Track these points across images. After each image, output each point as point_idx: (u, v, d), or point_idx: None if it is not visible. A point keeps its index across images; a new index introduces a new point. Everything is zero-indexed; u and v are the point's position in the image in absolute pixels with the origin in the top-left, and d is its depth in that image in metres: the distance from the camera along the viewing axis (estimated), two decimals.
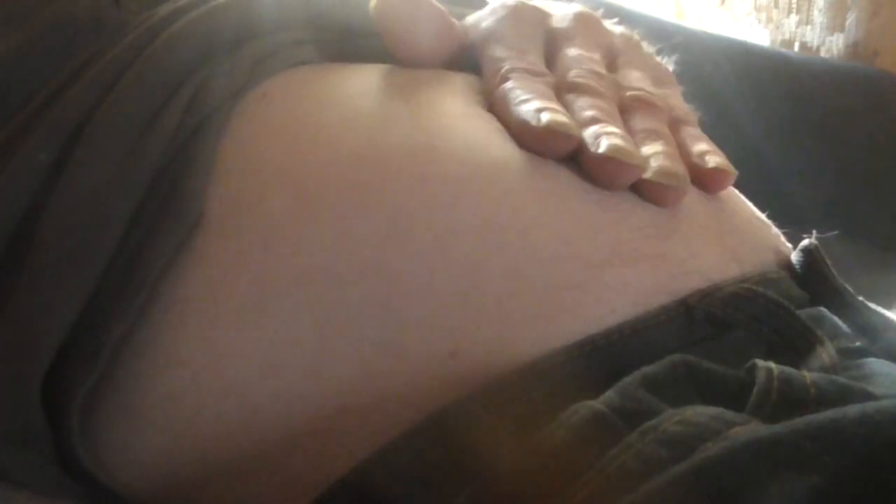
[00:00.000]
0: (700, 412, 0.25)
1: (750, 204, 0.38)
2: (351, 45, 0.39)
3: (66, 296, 0.30)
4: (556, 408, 0.26)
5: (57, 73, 0.35)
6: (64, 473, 0.31)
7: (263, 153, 0.33)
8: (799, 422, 0.23)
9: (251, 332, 0.30)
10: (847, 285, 0.34)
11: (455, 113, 0.34)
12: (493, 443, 0.27)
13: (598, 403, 0.26)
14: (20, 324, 0.30)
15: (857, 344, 0.32)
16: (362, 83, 0.35)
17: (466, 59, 0.38)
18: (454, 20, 0.38)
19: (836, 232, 0.38)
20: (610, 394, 0.26)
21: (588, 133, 0.32)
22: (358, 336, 0.29)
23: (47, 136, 0.32)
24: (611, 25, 0.40)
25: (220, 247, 0.31)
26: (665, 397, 0.26)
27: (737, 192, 0.38)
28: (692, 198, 0.34)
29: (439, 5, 0.37)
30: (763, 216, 0.38)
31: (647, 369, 0.27)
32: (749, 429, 0.24)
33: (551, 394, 0.27)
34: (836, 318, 0.32)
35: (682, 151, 0.34)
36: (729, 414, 0.25)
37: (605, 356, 0.29)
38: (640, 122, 0.34)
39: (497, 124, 0.34)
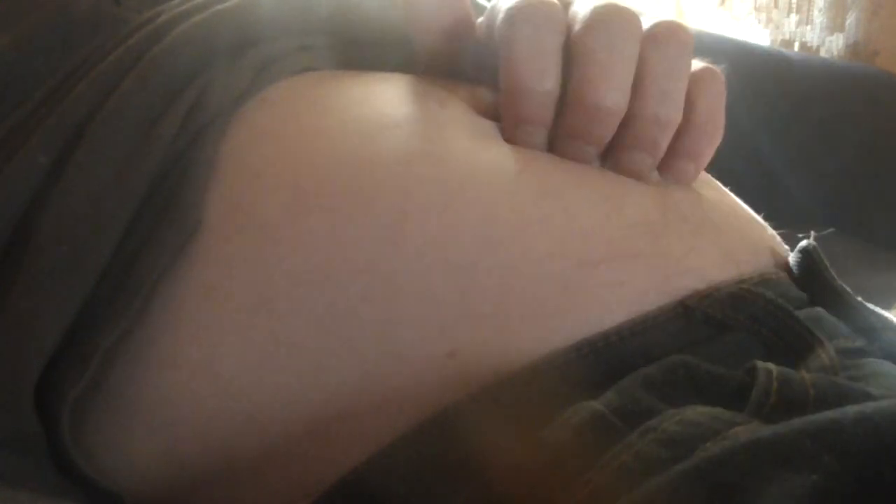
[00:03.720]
0: (700, 412, 0.25)
1: (746, 207, 0.38)
2: (354, 52, 0.39)
3: (60, 301, 0.30)
4: (556, 409, 0.26)
5: (55, 71, 0.35)
6: (62, 476, 0.31)
7: (261, 157, 0.33)
8: (799, 422, 0.23)
9: (247, 333, 0.30)
10: (846, 285, 0.34)
11: (450, 118, 0.34)
12: (493, 443, 0.27)
13: (597, 404, 0.26)
14: (14, 328, 0.30)
15: (856, 344, 0.32)
16: (361, 90, 0.35)
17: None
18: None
19: (831, 229, 0.38)
20: (609, 394, 0.26)
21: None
22: (355, 337, 0.29)
23: (47, 137, 0.32)
24: None
25: (217, 249, 0.31)
26: (664, 398, 0.26)
27: (731, 193, 0.38)
28: (681, 194, 0.34)
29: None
30: (759, 218, 0.38)
31: (647, 370, 0.27)
32: (749, 429, 0.24)
33: (551, 395, 0.27)
34: (834, 319, 0.32)
35: None
36: (728, 414, 0.25)
37: (603, 358, 0.29)
38: None
39: (491, 127, 0.34)
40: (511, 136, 0.34)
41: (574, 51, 0.33)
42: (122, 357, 0.30)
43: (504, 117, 0.34)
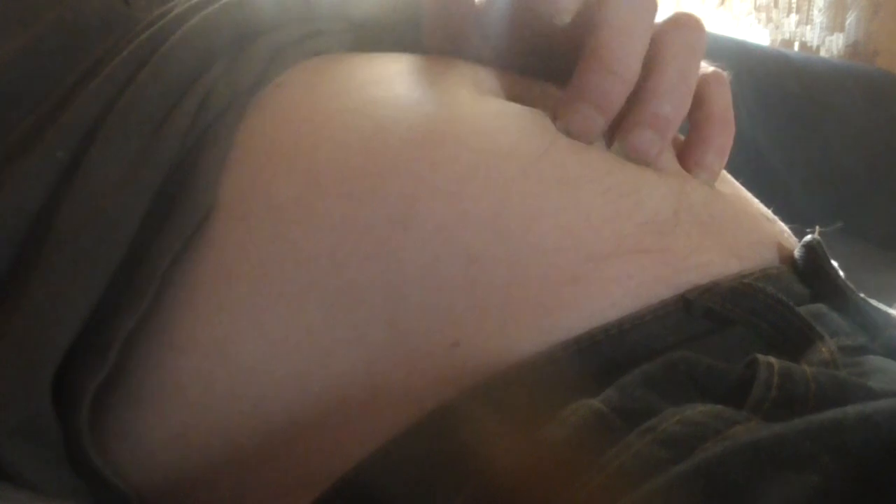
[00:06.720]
0: (700, 411, 0.25)
1: (756, 200, 0.38)
2: (363, 34, 0.40)
3: (79, 291, 0.30)
4: (556, 405, 0.26)
5: (68, 73, 0.35)
6: (71, 471, 0.31)
7: (273, 140, 0.33)
8: (799, 422, 0.23)
9: (259, 315, 0.30)
10: (848, 282, 0.34)
11: (464, 101, 0.34)
12: (493, 441, 0.27)
13: (597, 402, 0.26)
14: (34, 317, 0.30)
15: (858, 342, 0.31)
16: (373, 72, 0.36)
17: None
18: None
19: (839, 224, 0.38)
20: (609, 392, 0.26)
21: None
22: (363, 322, 0.29)
23: (64, 133, 0.33)
24: None
25: (229, 232, 0.31)
26: (664, 395, 0.26)
27: (742, 188, 0.39)
28: (695, 193, 0.34)
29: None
30: (769, 212, 0.38)
31: (647, 367, 0.27)
32: (749, 428, 0.24)
33: (551, 391, 0.27)
34: (836, 315, 0.32)
35: None
36: (729, 412, 0.25)
37: (603, 350, 0.29)
38: None
39: (506, 112, 0.34)
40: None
41: (593, 17, 0.34)
42: (136, 343, 0.30)
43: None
